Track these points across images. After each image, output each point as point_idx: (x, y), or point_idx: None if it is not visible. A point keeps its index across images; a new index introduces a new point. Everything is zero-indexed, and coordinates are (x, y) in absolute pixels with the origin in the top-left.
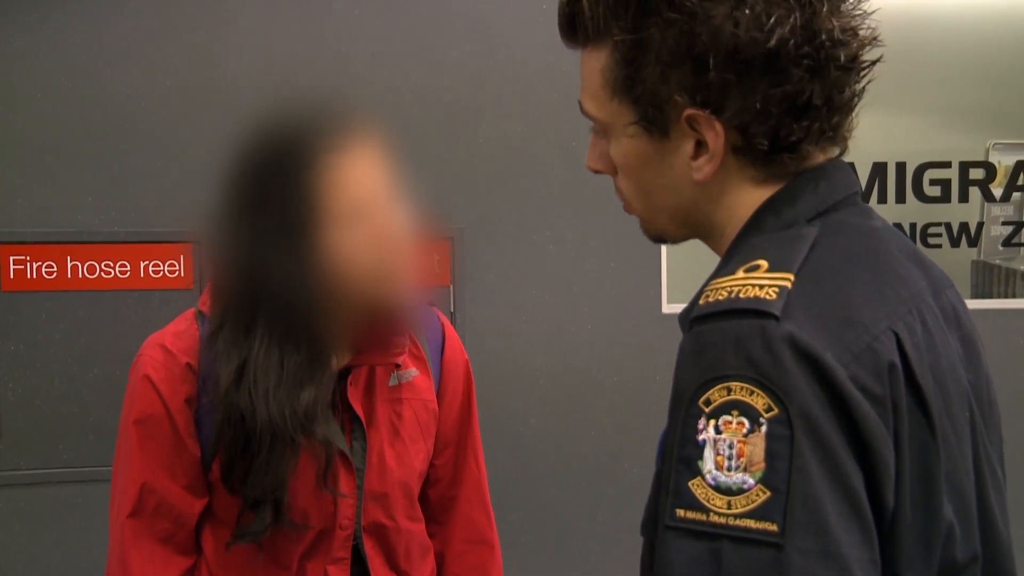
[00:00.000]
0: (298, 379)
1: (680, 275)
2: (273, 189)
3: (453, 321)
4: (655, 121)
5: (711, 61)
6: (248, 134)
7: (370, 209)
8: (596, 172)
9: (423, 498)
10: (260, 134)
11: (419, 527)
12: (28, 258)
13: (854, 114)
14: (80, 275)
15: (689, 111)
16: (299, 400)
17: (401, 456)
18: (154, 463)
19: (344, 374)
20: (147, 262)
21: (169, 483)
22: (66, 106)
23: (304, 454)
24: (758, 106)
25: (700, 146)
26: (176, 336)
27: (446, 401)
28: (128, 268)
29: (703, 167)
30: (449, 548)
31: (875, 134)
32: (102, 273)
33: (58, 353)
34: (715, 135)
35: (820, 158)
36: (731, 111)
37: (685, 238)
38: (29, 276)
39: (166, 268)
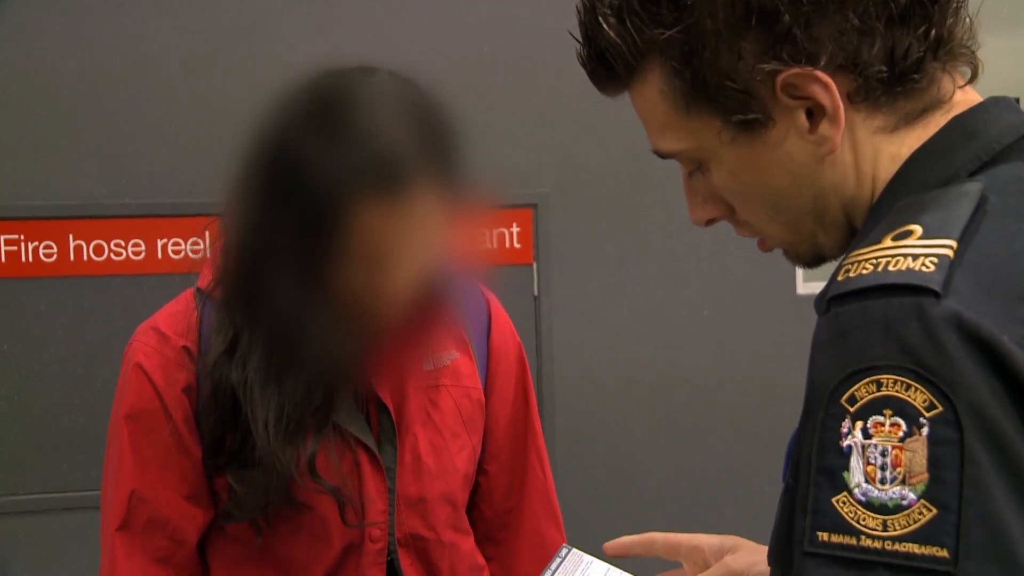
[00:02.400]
0: (297, 418)
1: None
2: (292, 206)
3: (537, 307)
4: (748, 107)
5: (778, 3)
6: (279, 114)
7: (396, 257)
8: (710, 223)
9: (476, 515)
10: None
11: (467, 542)
12: (22, 237)
13: (970, 15)
14: (85, 257)
15: (782, 75)
16: (302, 446)
17: (440, 453)
18: (147, 467)
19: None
20: (165, 240)
21: (165, 492)
22: (64, 50)
23: (323, 444)
24: (857, 22)
25: (811, 115)
26: (171, 317)
27: (496, 394)
28: (142, 248)
29: (828, 134)
30: (514, 571)
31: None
32: (111, 254)
33: (60, 352)
34: (824, 89)
35: (951, 88)
36: (828, 50)
37: (842, 246)
38: (24, 259)
39: (188, 247)
